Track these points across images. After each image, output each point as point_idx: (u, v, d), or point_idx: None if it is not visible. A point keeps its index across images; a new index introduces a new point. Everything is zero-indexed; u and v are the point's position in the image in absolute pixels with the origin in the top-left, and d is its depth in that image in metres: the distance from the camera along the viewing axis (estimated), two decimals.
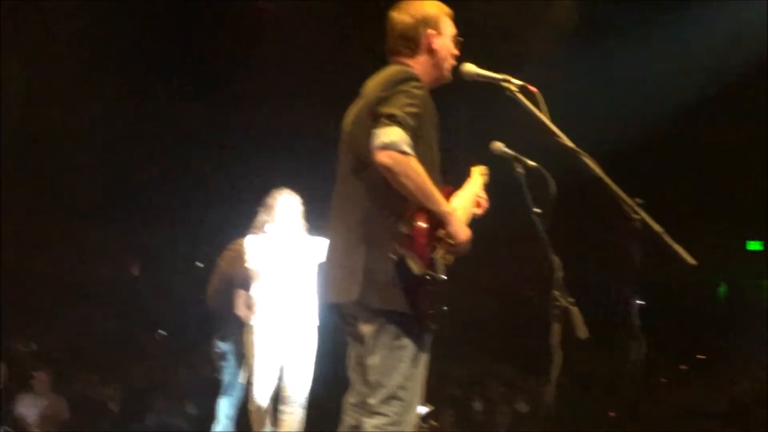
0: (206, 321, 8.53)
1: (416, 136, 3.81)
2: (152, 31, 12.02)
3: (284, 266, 7.28)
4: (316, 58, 12.25)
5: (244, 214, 7.41)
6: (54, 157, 12.38)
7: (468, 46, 4.28)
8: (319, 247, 6.93)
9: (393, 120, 3.74)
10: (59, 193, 12.39)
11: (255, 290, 7.36)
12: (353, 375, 4.09)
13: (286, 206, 7.41)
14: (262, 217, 7.44)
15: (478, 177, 4.43)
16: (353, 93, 4.16)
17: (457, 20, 4.28)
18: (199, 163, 12.74)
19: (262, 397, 7.21)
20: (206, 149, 12.72)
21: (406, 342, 3.86)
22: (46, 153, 12.43)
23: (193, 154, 12.89)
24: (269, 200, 7.45)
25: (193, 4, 12.21)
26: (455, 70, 4.21)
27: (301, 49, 12.24)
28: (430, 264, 3.79)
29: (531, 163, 4.42)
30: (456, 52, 4.24)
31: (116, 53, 11.90)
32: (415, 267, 3.71)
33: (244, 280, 7.82)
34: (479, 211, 4.31)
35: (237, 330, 8.20)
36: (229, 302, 8.24)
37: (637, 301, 3.76)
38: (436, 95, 4.17)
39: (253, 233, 7.44)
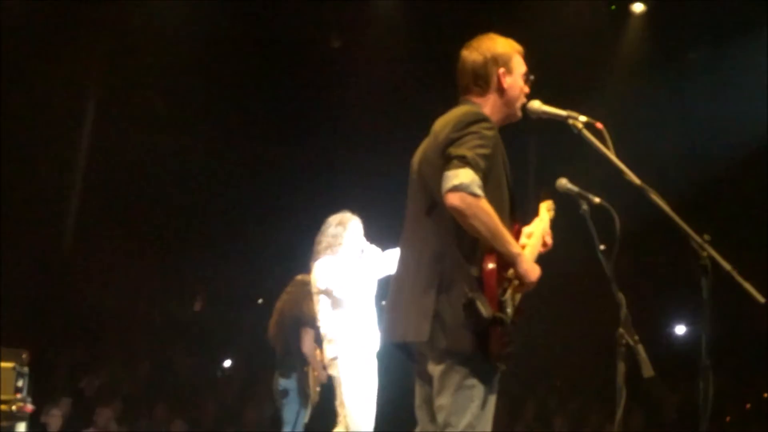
0: (271, 357, 8.56)
1: (487, 177, 3.81)
2: (231, 72, 12.20)
3: (359, 289, 7.08)
4: (391, 96, 12.33)
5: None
6: (129, 192, 12.56)
7: (539, 83, 4.28)
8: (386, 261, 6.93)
9: (464, 162, 3.75)
10: (132, 229, 12.55)
11: (332, 317, 7.10)
12: (420, 414, 4.08)
13: (355, 229, 7.26)
14: (329, 240, 7.24)
15: (545, 213, 4.41)
16: (425, 132, 4.18)
17: (529, 57, 4.28)
18: (269, 200, 12.82)
19: (367, 425, 6.94)
20: (277, 186, 12.80)
21: (476, 383, 3.84)
22: (121, 189, 12.62)
23: (264, 191, 12.98)
24: (335, 224, 7.28)
25: (272, 48, 12.38)
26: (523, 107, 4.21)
27: (376, 89, 12.35)
28: (500, 306, 3.78)
29: (596, 199, 4.40)
30: (527, 89, 4.23)
31: (196, 93, 12.09)
32: (484, 310, 3.69)
33: (310, 318, 7.85)
34: (545, 249, 4.28)
35: (299, 367, 8.25)
36: (290, 340, 8.30)
37: (706, 338, 3.71)
38: (505, 131, 4.18)
39: (322, 256, 7.21)
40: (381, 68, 12.28)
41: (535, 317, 4.54)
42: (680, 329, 13.31)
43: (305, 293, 8.17)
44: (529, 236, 4.13)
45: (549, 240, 4.27)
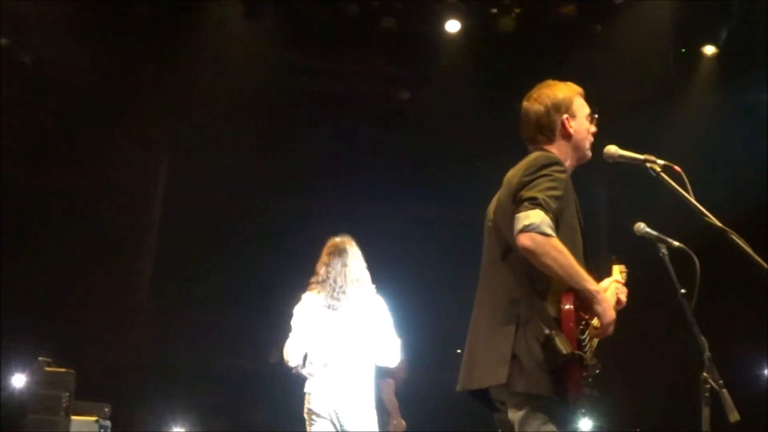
0: None
1: (559, 220, 3.82)
2: (289, 122, 12.35)
3: (343, 333, 6.39)
4: (452, 150, 12.39)
5: None
6: (203, 248, 12.70)
7: (611, 129, 4.28)
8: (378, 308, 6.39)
9: (534, 203, 3.75)
10: (205, 284, 12.67)
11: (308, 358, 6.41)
12: None
13: (347, 261, 6.57)
14: (318, 270, 6.64)
15: (617, 275, 4.38)
16: (491, 183, 4.20)
17: (596, 101, 4.29)
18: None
19: None
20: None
21: (555, 428, 3.82)
22: (196, 246, 12.76)
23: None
24: (326, 254, 6.65)
25: (337, 103, 12.54)
26: (596, 149, 4.21)
27: (438, 140, 12.41)
28: (579, 345, 3.76)
29: (675, 243, 4.38)
30: (593, 129, 4.24)
31: (262, 151, 12.24)
32: (563, 347, 3.67)
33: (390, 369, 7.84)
34: (618, 307, 4.21)
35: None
36: None
37: None
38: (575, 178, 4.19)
39: (307, 291, 6.63)
40: (448, 123, 12.34)
41: (614, 365, 4.51)
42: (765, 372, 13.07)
43: None
44: (604, 290, 4.09)
45: (623, 298, 4.22)
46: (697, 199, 3.94)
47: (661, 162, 4.07)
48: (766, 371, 13.26)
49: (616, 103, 10.74)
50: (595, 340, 3.91)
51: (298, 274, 13.04)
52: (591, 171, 4.44)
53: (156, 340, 12.60)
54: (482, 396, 4.05)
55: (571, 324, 3.75)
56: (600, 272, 4.32)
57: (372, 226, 12.98)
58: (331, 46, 12.10)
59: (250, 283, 12.46)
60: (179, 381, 12.96)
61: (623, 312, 4.16)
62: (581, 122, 4.20)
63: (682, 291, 4.29)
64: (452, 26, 11.71)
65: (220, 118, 11.92)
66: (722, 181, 11.22)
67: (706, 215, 3.86)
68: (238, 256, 12.37)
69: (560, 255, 3.73)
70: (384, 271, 6.85)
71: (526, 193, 3.82)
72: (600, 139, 4.27)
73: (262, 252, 12.50)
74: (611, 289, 4.18)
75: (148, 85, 11.85)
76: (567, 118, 4.15)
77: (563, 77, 4.37)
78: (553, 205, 3.79)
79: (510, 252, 3.87)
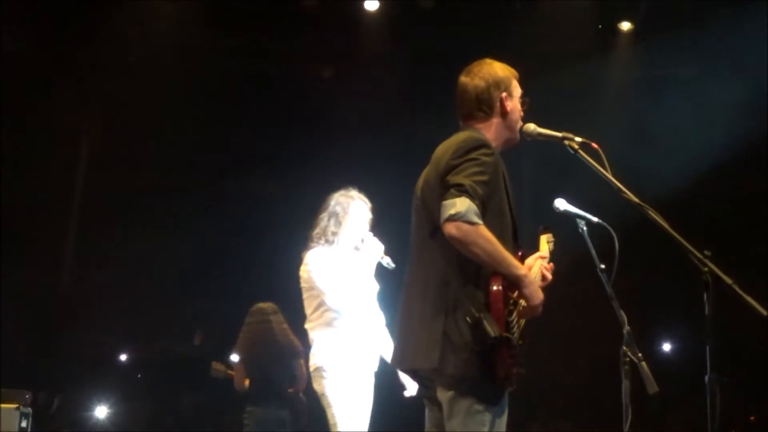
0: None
1: (486, 204, 3.83)
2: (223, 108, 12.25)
3: (355, 290, 6.04)
4: (385, 125, 12.37)
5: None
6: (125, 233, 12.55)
7: (533, 105, 4.31)
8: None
9: (461, 190, 3.77)
10: (130, 267, 12.53)
11: (321, 320, 6.03)
12: None
13: (357, 213, 6.19)
14: (323, 225, 6.17)
15: (545, 246, 4.42)
16: (420, 160, 4.20)
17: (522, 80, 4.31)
18: (262, 235, 12.79)
19: None
20: (271, 223, 12.77)
21: (485, 407, 3.85)
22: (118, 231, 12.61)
23: (257, 228, 12.95)
24: (336, 205, 6.22)
25: (263, 82, 12.46)
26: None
27: (369, 118, 12.39)
28: (507, 326, 3.80)
29: (594, 219, 4.43)
30: (522, 112, 4.28)
31: (189, 133, 12.12)
32: (491, 329, 3.70)
33: (299, 348, 7.87)
34: (544, 284, 4.23)
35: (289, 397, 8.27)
36: (278, 371, 8.31)
37: (710, 353, 3.73)
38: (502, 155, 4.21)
39: (314, 246, 6.15)
40: (372, 97, 12.32)
41: (537, 339, 4.55)
42: (682, 345, 13.30)
43: (278, 323, 8.24)
44: (529, 269, 4.13)
45: (549, 275, 4.25)
46: (619, 173, 3.98)
47: (578, 139, 4.11)
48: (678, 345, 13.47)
49: (536, 79, 10.84)
50: (523, 320, 3.95)
51: (221, 255, 13.01)
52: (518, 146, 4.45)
53: (77, 324, 12.43)
54: (413, 373, 4.12)
55: (499, 305, 3.78)
56: (531, 243, 4.37)
57: (300, 204, 12.97)
58: (254, 26, 12.01)
59: (173, 265, 12.33)
60: (104, 365, 12.84)
61: (550, 288, 4.21)
62: (516, 103, 4.23)
63: (602, 266, 4.36)
64: (371, 5, 11.68)
65: (143, 98, 11.75)
66: (644, 155, 11.41)
67: (623, 191, 3.91)
68: (161, 238, 12.23)
69: (487, 243, 3.76)
70: None
71: (453, 179, 3.83)
72: (526, 119, 4.30)
73: (185, 234, 12.37)
74: (536, 267, 4.22)
75: (70, 66, 11.65)
76: (506, 96, 4.17)
77: (484, 54, 4.39)
78: (480, 191, 3.81)
79: (439, 231, 3.88)
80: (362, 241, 6.14)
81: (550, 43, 11.49)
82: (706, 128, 11.56)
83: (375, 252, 6.12)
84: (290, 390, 8.41)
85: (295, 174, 12.41)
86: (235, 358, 8.82)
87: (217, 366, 8.99)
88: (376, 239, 6.16)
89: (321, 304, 6.00)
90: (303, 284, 6.13)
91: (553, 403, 13.02)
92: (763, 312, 3.52)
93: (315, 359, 5.98)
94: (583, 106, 11.47)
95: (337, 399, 5.85)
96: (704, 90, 11.60)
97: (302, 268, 6.12)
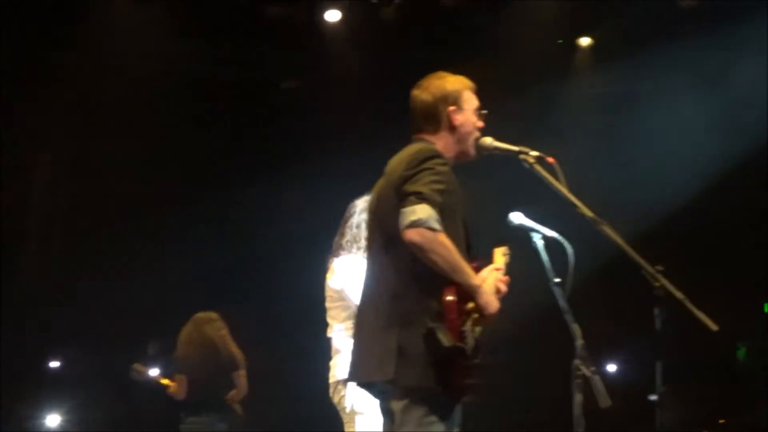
0: None
1: (443, 212, 3.85)
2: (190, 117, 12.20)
3: None
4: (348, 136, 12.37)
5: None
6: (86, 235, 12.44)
7: (493, 120, 4.33)
8: None
9: (420, 197, 3.79)
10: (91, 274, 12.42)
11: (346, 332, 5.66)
12: None
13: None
14: (354, 232, 5.84)
15: (500, 258, 4.45)
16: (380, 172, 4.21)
17: (483, 93, 4.33)
18: (225, 241, 12.74)
19: None
20: (235, 228, 12.72)
21: (436, 419, 3.87)
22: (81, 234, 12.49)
23: (220, 233, 12.89)
24: (360, 212, 5.85)
25: (230, 91, 12.43)
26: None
27: (333, 129, 12.40)
28: (461, 336, 3.81)
29: (550, 233, 4.46)
30: (480, 124, 4.29)
31: (154, 139, 12.05)
32: (445, 339, 3.73)
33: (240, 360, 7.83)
34: (498, 296, 4.27)
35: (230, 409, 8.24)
36: (220, 382, 8.28)
37: (662, 367, 3.77)
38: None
39: (344, 253, 5.86)
40: (338, 108, 12.33)
41: (491, 351, 4.57)
42: (638, 359, 13.38)
43: (219, 332, 8.21)
44: (483, 280, 4.15)
45: (503, 287, 4.24)
46: (576, 189, 4.01)
47: (534, 153, 4.14)
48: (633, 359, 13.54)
49: (499, 93, 10.89)
50: (479, 329, 3.97)
51: (179, 264, 12.92)
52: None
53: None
54: (367, 384, 4.12)
55: (453, 316, 3.81)
56: (487, 256, 4.38)
57: (266, 212, 12.93)
58: (220, 34, 11.98)
59: (123, 272, 12.22)
60: (42, 380, 12.67)
61: (505, 300, 4.22)
62: (468, 116, 4.24)
63: (556, 280, 4.38)
64: (333, 15, 11.69)
65: (108, 106, 11.68)
66: (603, 171, 11.51)
67: (578, 206, 3.94)
68: (131, 245, 12.17)
69: (446, 251, 3.79)
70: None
71: (411, 187, 3.86)
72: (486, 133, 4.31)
73: (147, 242, 12.31)
74: (491, 279, 4.24)
75: (34, 73, 11.53)
76: (453, 110, 4.19)
77: (447, 68, 4.41)
78: (439, 198, 3.84)
79: (393, 244, 3.90)
80: None
81: (511, 57, 11.55)
82: (667, 144, 11.69)
83: None
84: (228, 400, 8.38)
85: (265, 183, 12.41)
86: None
87: (138, 368, 8.83)
88: None
89: (351, 316, 5.49)
90: (331, 293, 5.86)
91: (507, 415, 13.06)
92: (713, 327, 3.57)
93: (337, 370, 5.71)
94: (541, 120, 11.54)
95: (357, 414, 5.61)
96: (666, 106, 11.73)
97: (331, 276, 5.86)
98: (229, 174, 12.64)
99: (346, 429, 5.68)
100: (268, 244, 12.28)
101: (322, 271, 5.99)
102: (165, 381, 8.60)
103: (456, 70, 4.40)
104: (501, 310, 3.98)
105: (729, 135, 11.63)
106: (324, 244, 6.07)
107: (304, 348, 9.12)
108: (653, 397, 3.76)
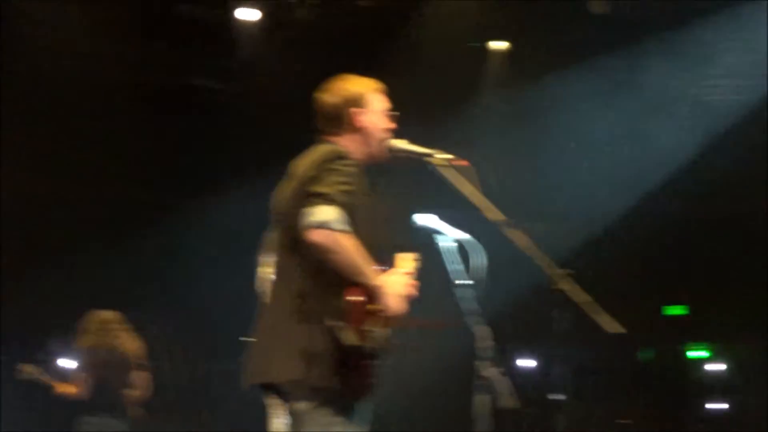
0: None
1: (348, 213, 3.85)
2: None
3: None
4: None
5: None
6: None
7: (410, 122, 4.33)
8: None
9: (324, 198, 3.79)
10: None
11: None
12: None
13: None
14: None
15: (408, 263, 4.46)
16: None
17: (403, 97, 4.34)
18: (153, 243, 12.59)
19: None
20: (161, 231, 12.56)
21: (341, 419, 3.88)
22: None
23: (145, 235, 12.72)
24: None
25: (155, 94, 12.27)
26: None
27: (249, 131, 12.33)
28: (363, 337, 3.82)
29: (462, 235, 4.49)
30: (390, 126, 4.29)
31: (79, 140, 11.87)
32: (347, 339, 3.74)
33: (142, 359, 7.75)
34: (407, 298, 4.31)
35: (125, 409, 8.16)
36: (117, 381, 8.20)
37: (563, 369, 3.84)
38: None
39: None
40: (262, 111, 12.28)
41: (399, 353, 4.60)
42: (543, 359, 13.55)
43: (121, 332, 8.14)
44: (391, 283, 4.17)
45: (412, 290, 4.23)
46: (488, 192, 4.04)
47: (447, 156, 4.16)
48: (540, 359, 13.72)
49: (415, 97, 10.92)
50: (384, 330, 3.99)
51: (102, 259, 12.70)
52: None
53: None
54: (269, 386, 4.06)
55: (356, 316, 3.81)
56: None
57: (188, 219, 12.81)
58: (141, 36, 11.83)
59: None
60: None
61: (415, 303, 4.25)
62: (374, 118, 4.24)
63: (461, 282, 4.41)
64: (252, 15, 11.62)
65: (33, 109, 11.48)
66: (516, 175, 11.65)
67: (481, 210, 3.96)
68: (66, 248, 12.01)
69: (348, 251, 3.79)
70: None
71: (316, 188, 3.85)
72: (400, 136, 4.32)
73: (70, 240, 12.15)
74: (396, 282, 4.28)
75: None
76: (357, 112, 4.20)
77: (363, 70, 4.42)
78: (343, 199, 3.83)
79: (298, 244, 3.89)
80: None
81: (424, 59, 11.60)
82: (579, 149, 11.87)
83: None
84: (128, 401, 8.30)
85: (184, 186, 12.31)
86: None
87: (26, 368, 8.72)
88: None
89: None
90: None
91: (413, 417, 13.13)
92: (617, 329, 3.63)
93: None
94: (453, 123, 11.61)
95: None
96: (578, 112, 11.88)
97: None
98: (152, 175, 12.55)
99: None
100: (197, 244, 12.21)
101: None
102: (62, 387, 8.47)
103: (369, 72, 4.41)
104: (406, 313, 3.98)
105: (637, 141, 11.87)
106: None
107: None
108: (558, 397, 3.83)
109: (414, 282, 4.29)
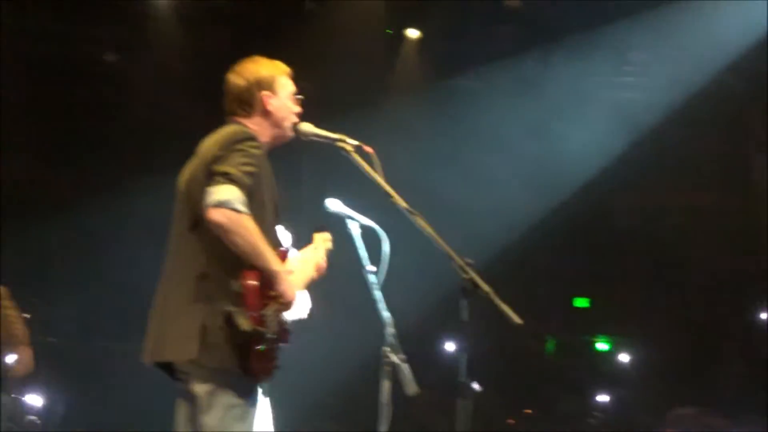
0: None
1: (251, 195, 3.83)
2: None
3: None
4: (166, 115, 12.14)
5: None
6: None
7: (317, 105, 4.32)
8: None
9: (228, 178, 3.76)
10: None
11: None
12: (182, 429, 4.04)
13: None
14: None
15: (321, 243, 4.47)
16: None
17: (308, 80, 4.32)
18: (42, 220, 12.33)
19: None
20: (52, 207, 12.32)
21: (241, 402, 3.87)
22: None
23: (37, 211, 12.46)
24: None
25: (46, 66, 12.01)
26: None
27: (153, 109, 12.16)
28: (261, 321, 3.80)
29: (366, 221, 4.50)
30: (297, 109, 4.28)
31: None
32: (243, 323, 3.72)
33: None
34: (316, 275, 4.37)
35: None
36: None
37: (467, 357, 3.85)
38: (282, 150, 4.22)
39: None
40: (157, 87, 12.10)
41: (307, 338, 4.58)
42: (449, 349, 13.63)
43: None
44: (301, 262, 4.17)
45: (322, 268, 4.37)
46: (394, 181, 4.05)
47: (353, 142, 4.16)
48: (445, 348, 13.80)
49: (327, 82, 10.89)
50: (282, 315, 3.97)
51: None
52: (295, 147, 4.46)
53: None
54: (166, 365, 4.03)
55: (254, 300, 3.80)
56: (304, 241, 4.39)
57: (81, 192, 12.57)
58: (39, 7, 11.59)
59: None
60: None
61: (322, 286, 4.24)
62: (283, 101, 4.23)
63: (370, 268, 4.42)
64: None
65: None
66: (425, 164, 11.68)
67: (393, 196, 3.97)
68: None
69: (249, 233, 3.77)
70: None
71: (220, 168, 3.82)
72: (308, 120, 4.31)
73: None
74: (309, 261, 4.28)
75: None
76: (267, 95, 4.18)
77: (275, 53, 4.39)
78: (247, 181, 3.81)
79: (199, 225, 3.86)
80: None
81: (337, 46, 11.56)
82: (487, 142, 11.94)
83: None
84: (10, 376, 8.18)
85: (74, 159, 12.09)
86: None
87: None
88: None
89: None
90: None
91: (321, 403, 13.12)
92: (518, 320, 3.66)
93: None
94: (364, 109, 11.57)
95: None
96: (487, 104, 11.96)
97: None
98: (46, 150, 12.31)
99: None
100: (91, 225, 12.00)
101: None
102: None
103: (280, 55, 4.39)
104: (316, 299, 3.99)
105: (547, 137, 12.00)
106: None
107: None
108: (468, 386, 3.84)
109: (323, 263, 4.32)
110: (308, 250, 4.45)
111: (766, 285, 13.63)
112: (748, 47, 11.28)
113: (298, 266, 4.22)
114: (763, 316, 14.61)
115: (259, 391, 4.02)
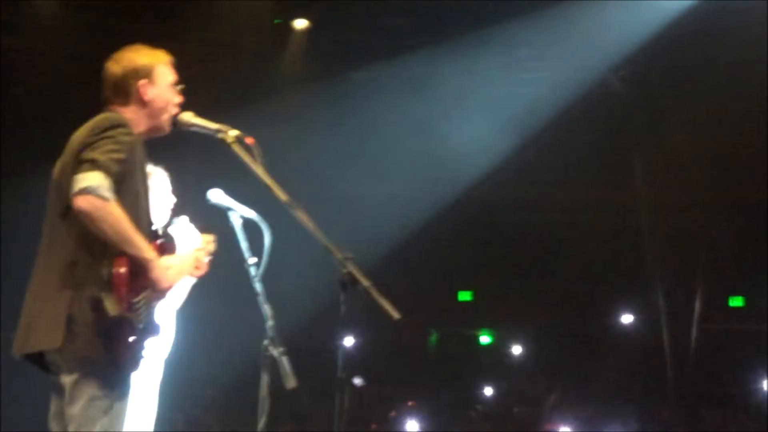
0: None
1: (120, 183, 3.78)
2: None
3: None
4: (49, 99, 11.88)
5: None
6: None
7: (198, 95, 4.27)
8: None
9: (95, 165, 3.70)
10: None
11: None
12: (53, 425, 3.95)
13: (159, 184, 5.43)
14: None
15: (205, 244, 4.42)
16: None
17: (189, 69, 4.26)
18: None
19: None
20: None
21: (107, 393, 3.79)
22: None
23: None
24: None
25: None
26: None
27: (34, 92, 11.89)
28: (130, 308, 3.74)
29: (249, 213, 4.47)
30: (177, 99, 4.21)
31: None
32: (111, 308, 3.65)
33: None
34: (196, 274, 4.32)
35: None
36: None
37: (343, 351, 3.86)
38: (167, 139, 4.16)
39: None
40: (40, 70, 11.83)
41: (190, 331, 4.53)
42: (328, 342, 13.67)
43: None
44: (179, 257, 4.12)
45: (203, 268, 4.32)
46: (275, 173, 4.03)
47: (234, 133, 4.12)
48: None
49: (209, 71, 10.76)
50: (154, 304, 3.92)
51: None
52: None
53: None
54: (38, 359, 3.92)
55: (123, 287, 3.73)
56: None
57: None
58: None
59: None
60: None
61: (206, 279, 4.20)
62: (162, 91, 4.13)
63: (251, 260, 4.40)
64: None
65: None
66: (310, 155, 11.65)
67: (272, 188, 3.95)
68: None
69: (116, 220, 3.70)
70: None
71: (88, 155, 3.74)
72: (192, 108, 4.25)
73: None
74: (187, 258, 4.23)
75: None
76: (144, 84, 4.09)
77: (156, 42, 4.31)
78: (115, 168, 3.74)
79: (69, 212, 3.78)
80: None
81: (223, 33, 11.45)
82: (378, 135, 11.98)
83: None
84: None
85: None
86: None
87: None
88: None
89: None
90: None
91: (200, 395, 13.03)
92: (396, 315, 3.68)
93: None
94: (250, 99, 11.48)
95: None
96: (376, 99, 11.98)
97: None
98: None
99: None
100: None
101: None
102: None
103: (164, 44, 4.31)
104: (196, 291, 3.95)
105: (431, 134, 12.10)
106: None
107: None
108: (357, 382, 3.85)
109: (204, 264, 4.28)
110: (190, 249, 4.39)
111: (642, 280, 14.02)
112: (632, 49, 11.57)
113: (175, 260, 4.16)
114: (631, 312, 15.10)
115: (133, 385, 3.95)
